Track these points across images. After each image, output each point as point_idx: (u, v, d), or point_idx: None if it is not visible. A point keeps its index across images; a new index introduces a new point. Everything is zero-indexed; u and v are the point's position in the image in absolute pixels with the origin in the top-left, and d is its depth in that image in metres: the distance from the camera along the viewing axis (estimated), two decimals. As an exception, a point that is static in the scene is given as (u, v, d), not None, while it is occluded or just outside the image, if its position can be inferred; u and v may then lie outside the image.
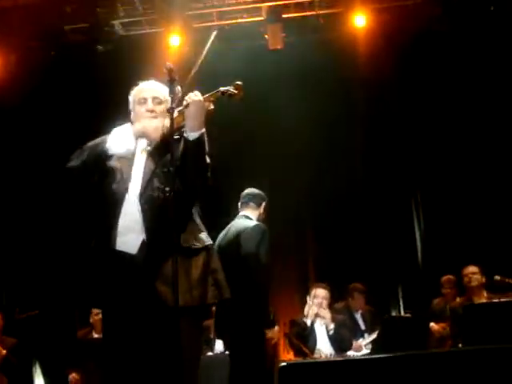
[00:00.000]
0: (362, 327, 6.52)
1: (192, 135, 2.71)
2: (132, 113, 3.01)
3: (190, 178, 2.74)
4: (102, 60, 7.52)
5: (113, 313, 2.76)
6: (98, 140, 2.91)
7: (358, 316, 6.66)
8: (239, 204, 4.88)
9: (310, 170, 7.86)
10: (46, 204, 7.49)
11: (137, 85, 3.04)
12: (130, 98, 3.03)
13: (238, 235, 4.58)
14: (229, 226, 4.80)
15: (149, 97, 2.92)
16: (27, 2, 7.24)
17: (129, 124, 2.92)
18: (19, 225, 7.72)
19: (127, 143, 2.85)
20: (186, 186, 2.74)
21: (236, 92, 2.82)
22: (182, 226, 2.75)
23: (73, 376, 5.96)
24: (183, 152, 2.74)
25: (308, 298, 6.02)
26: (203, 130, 2.73)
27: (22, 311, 6.03)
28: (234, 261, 4.34)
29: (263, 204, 4.86)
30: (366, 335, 6.24)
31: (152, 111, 2.89)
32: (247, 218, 4.78)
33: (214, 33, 2.87)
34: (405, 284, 7.68)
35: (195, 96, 2.73)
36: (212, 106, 2.78)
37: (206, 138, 2.75)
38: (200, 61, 2.83)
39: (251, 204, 4.81)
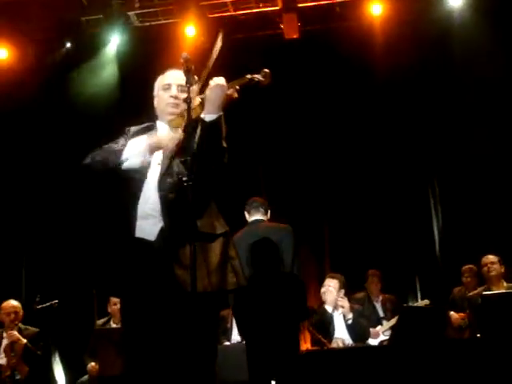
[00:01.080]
0: (381, 314, 6.55)
1: (209, 117, 2.70)
2: (155, 98, 3.04)
3: (206, 161, 2.72)
4: (117, 51, 7.55)
5: (132, 300, 2.77)
6: (114, 147, 2.87)
7: (378, 304, 6.70)
8: (248, 210, 4.88)
9: (325, 159, 7.85)
10: (66, 194, 7.56)
11: (163, 72, 3.06)
12: (155, 84, 3.06)
13: (277, 235, 4.61)
14: (249, 228, 4.77)
15: (173, 83, 2.94)
16: (43, -6, 7.30)
17: (144, 137, 2.89)
18: (39, 215, 7.80)
19: (142, 158, 2.82)
20: (203, 170, 2.71)
21: (263, 79, 2.79)
22: (199, 211, 2.74)
23: (92, 365, 6.01)
24: (200, 134, 2.73)
25: (323, 288, 6.01)
26: (221, 113, 2.71)
27: (41, 301, 6.08)
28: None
29: (269, 211, 4.93)
30: (384, 322, 6.25)
31: (176, 97, 2.90)
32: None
33: (220, 35, 2.82)
34: (422, 274, 7.64)
35: (219, 80, 2.72)
36: (236, 95, 2.77)
37: (223, 123, 2.73)
38: (211, 63, 2.80)
39: (261, 210, 4.85)
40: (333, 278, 5.97)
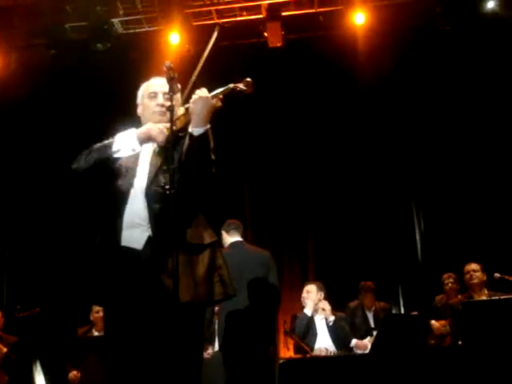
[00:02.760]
0: (372, 324, 6.56)
1: (197, 131, 2.70)
2: (140, 107, 3.05)
3: (194, 173, 2.73)
4: (101, 58, 7.52)
5: (116, 309, 2.75)
6: (105, 142, 2.90)
7: (370, 314, 6.73)
8: (227, 231, 5.19)
9: (309, 170, 7.89)
10: (49, 202, 7.52)
11: (147, 79, 3.06)
12: (139, 92, 3.06)
13: (261, 260, 5.03)
14: (235, 248, 5.10)
15: (159, 91, 2.95)
16: (28, 1, 7.26)
17: (133, 129, 2.91)
18: (21, 223, 7.74)
19: (132, 148, 2.85)
20: (191, 182, 2.73)
21: (246, 89, 2.81)
22: (187, 222, 2.76)
23: (73, 374, 5.96)
24: (187, 148, 2.73)
25: (302, 294, 6.12)
26: (208, 126, 2.72)
27: (22, 309, 6.03)
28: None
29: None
30: (374, 333, 6.27)
31: (162, 105, 2.90)
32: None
33: (216, 31, 2.83)
34: (405, 283, 7.68)
35: (201, 92, 2.73)
36: (220, 104, 2.77)
37: (211, 135, 2.74)
38: (203, 59, 2.81)
39: (239, 231, 5.24)
40: (310, 283, 6.11)
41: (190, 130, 2.73)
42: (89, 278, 2.85)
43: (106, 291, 2.77)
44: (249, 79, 2.83)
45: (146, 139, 2.86)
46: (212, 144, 2.75)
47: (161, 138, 2.82)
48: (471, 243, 7.10)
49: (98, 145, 2.90)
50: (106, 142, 2.90)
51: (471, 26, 7.17)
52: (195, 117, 2.71)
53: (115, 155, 2.83)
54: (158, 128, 2.84)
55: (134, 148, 2.84)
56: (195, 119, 2.71)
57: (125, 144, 2.84)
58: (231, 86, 2.81)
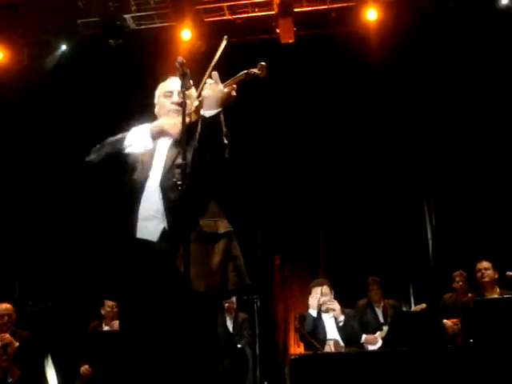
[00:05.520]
0: (381, 320, 6.57)
1: (208, 113, 2.71)
2: (156, 106, 3.08)
3: (206, 157, 2.73)
4: (113, 54, 7.54)
5: (131, 302, 2.76)
6: (118, 136, 2.92)
7: (379, 310, 6.73)
8: None
9: (320, 168, 7.86)
10: (62, 196, 7.56)
11: (163, 79, 3.09)
12: (156, 92, 3.10)
13: None
14: None
15: (175, 90, 2.97)
16: (40, -4, 7.29)
17: (147, 124, 2.93)
18: (32, 218, 7.78)
19: (144, 144, 2.86)
20: (205, 168, 2.74)
21: (260, 72, 2.80)
22: (201, 210, 2.77)
23: (85, 368, 5.99)
24: (200, 132, 2.74)
25: (312, 295, 6.09)
26: (220, 109, 2.72)
27: (34, 304, 6.06)
28: None
29: None
30: (384, 328, 6.27)
31: (177, 104, 2.92)
32: None
33: (224, 41, 2.83)
34: (416, 280, 7.66)
35: (214, 78, 2.73)
36: (234, 93, 2.77)
37: (222, 119, 2.73)
38: (210, 69, 2.81)
39: None
40: (319, 284, 6.05)
41: (201, 112, 2.74)
42: (103, 273, 2.87)
43: (121, 285, 2.78)
44: (263, 63, 2.81)
45: (159, 133, 2.87)
46: (224, 128, 2.75)
47: (174, 132, 2.83)
48: (483, 241, 7.06)
49: (112, 139, 2.92)
50: (120, 135, 2.92)
51: (485, 23, 7.13)
52: (207, 100, 2.72)
53: (127, 150, 2.85)
54: (171, 122, 2.85)
55: (146, 145, 2.85)
56: (207, 102, 2.72)
57: (137, 139, 2.85)
58: (245, 71, 2.80)
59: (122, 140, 2.88)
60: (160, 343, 2.67)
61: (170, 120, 2.88)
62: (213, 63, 2.82)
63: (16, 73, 7.59)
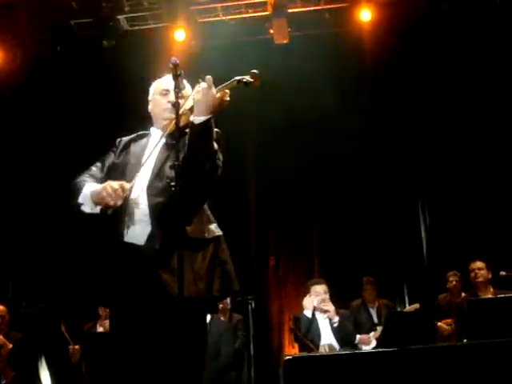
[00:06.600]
0: (375, 320, 6.58)
1: (197, 119, 2.67)
2: (150, 103, 3.04)
3: (196, 163, 2.69)
4: (107, 55, 7.52)
5: (120, 306, 2.74)
6: (76, 184, 2.85)
7: (373, 310, 6.74)
8: None
9: (315, 166, 7.86)
10: (53, 198, 7.52)
11: (159, 77, 3.06)
12: (151, 89, 3.05)
13: None
14: None
15: (171, 89, 2.89)
16: (34, -3, 7.27)
17: (90, 186, 2.82)
18: (26, 219, 7.75)
19: (91, 207, 2.79)
20: (195, 174, 2.70)
21: (252, 80, 2.79)
22: (189, 216, 2.73)
23: (73, 347, 5.97)
24: (189, 137, 2.70)
25: (307, 296, 6.10)
26: (210, 116, 2.68)
27: (27, 305, 6.05)
28: None
29: None
30: (378, 328, 6.28)
31: (173, 104, 2.87)
32: None
33: (200, 84, 2.79)
34: (410, 280, 7.67)
35: (206, 83, 2.69)
36: (227, 98, 2.75)
37: (213, 125, 2.70)
38: (183, 109, 2.79)
39: None
40: (318, 283, 6.07)
41: (191, 118, 2.71)
42: (93, 278, 2.85)
43: (110, 289, 2.77)
44: (255, 71, 2.80)
45: (99, 203, 2.75)
46: (214, 135, 2.71)
47: (112, 202, 2.69)
48: (477, 241, 7.09)
49: (74, 185, 2.86)
50: (78, 182, 2.86)
51: (479, 24, 7.15)
52: (197, 106, 2.69)
53: (81, 208, 2.80)
54: (112, 189, 2.70)
55: (91, 208, 2.78)
56: (197, 108, 2.69)
57: (85, 200, 2.79)
58: (237, 78, 2.79)
59: (77, 194, 2.81)
60: (143, 347, 2.66)
61: (113, 185, 2.70)
62: (187, 104, 2.81)
63: (11, 73, 7.57)
